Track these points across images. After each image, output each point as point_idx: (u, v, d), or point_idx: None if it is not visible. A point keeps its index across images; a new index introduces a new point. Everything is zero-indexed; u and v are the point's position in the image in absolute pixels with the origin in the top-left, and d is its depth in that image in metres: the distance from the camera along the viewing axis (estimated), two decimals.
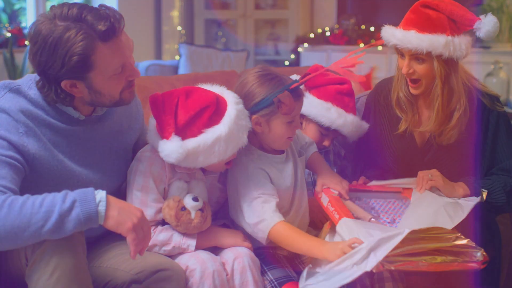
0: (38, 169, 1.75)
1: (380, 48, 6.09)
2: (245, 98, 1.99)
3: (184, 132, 1.86)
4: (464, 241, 1.79)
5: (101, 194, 1.58)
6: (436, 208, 2.02)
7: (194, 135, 1.86)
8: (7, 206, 1.53)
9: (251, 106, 1.98)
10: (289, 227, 1.93)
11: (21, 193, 1.62)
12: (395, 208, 2.17)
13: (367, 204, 2.17)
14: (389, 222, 2.09)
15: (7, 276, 1.74)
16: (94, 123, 1.88)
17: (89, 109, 1.86)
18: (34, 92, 1.78)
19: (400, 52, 2.20)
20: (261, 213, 1.94)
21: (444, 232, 1.81)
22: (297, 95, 2.00)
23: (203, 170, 2.02)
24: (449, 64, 2.16)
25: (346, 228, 1.89)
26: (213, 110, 1.88)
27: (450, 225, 1.90)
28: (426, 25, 2.13)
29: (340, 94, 2.33)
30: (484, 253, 1.78)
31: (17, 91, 1.77)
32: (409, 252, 1.75)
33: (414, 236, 1.75)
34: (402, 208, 2.17)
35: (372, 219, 2.04)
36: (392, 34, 2.18)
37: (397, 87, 2.29)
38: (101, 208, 1.56)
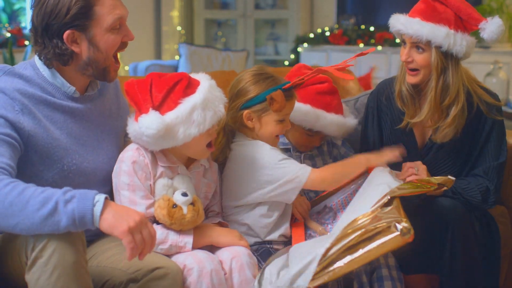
0: (33, 147, 1.78)
1: (380, 48, 6.10)
2: (239, 94, 2.09)
3: (161, 107, 1.88)
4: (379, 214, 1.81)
5: (101, 197, 1.58)
6: (380, 184, 2.01)
7: (171, 108, 1.88)
8: (11, 186, 1.56)
9: (245, 102, 2.08)
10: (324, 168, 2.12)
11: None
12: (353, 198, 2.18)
13: (325, 210, 2.22)
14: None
15: (7, 275, 1.74)
16: (88, 102, 1.93)
17: (83, 84, 1.92)
18: (29, 72, 1.85)
19: (403, 39, 2.23)
20: (295, 168, 2.04)
21: (358, 223, 1.82)
22: (289, 95, 2.08)
23: (186, 166, 2.03)
24: (448, 58, 2.18)
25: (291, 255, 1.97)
26: (186, 83, 1.92)
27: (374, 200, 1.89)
28: (432, 15, 2.17)
29: (320, 94, 2.31)
30: (406, 224, 1.77)
31: (12, 73, 1.83)
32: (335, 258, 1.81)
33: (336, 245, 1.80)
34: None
35: (321, 228, 2.12)
36: (397, 19, 2.22)
37: (400, 80, 2.32)
38: (97, 208, 1.56)
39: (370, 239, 1.77)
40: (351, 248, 1.79)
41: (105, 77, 1.90)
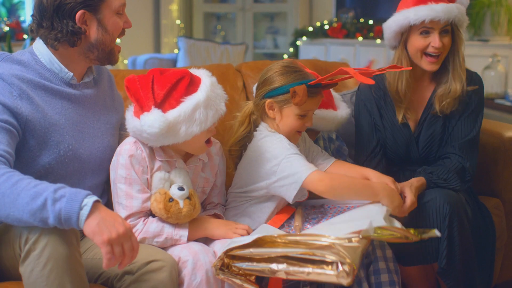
0: (31, 131, 1.80)
1: (378, 41, 6.09)
2: (265, 82, 2.12)
3: (163, 105, 1.88)
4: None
5: (89, 200, 1.56)
6: (367, 217, 1.95)
7: (173, 107, 1.88)
8: (6, 176, 1.57)
9: (269, 91, 2.10)
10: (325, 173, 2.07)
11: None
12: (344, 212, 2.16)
13: (319, 209, 2.21)
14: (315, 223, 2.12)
15: (3, 266, 1.75)
16: (84, 89, 1.96)
17: (81, 70, 1.95)
18: (27, 57, 1.88)
19: (425, 29, 2.26)
20: (299, 165, 2.02)
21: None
22: (313, 92, 2.08)
23: (185, 160, 2.03)
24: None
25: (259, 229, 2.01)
26: (188, 81, 1.92)
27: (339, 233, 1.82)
28: None
29: None
30: (347, 269, 1.71)
31: (10, 59, 1.86)
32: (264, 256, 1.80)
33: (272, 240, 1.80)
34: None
35: (297, 224, 2.09)
36: (430, 8, 2.24)
37: (400, 78, 2.33)
38: (84, 212, 1.55)
39: (313, 262, 1.75)
40: (293, 259, 1.77)
41: (110, 59, 1.94)
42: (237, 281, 1.83)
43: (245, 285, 1.84)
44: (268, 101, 2.10)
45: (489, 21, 5.49)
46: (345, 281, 1.71)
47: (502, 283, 2.64)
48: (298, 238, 1.79)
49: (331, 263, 1.73)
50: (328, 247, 1.74)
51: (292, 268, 1.77)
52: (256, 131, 2.16)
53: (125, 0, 1.93)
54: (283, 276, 1.79)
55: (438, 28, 2.25)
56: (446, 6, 2.23)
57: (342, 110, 2.39)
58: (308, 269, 1.75)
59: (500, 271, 2.56)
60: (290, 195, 2.03)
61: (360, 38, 6.30)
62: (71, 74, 1.91)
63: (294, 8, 6.86)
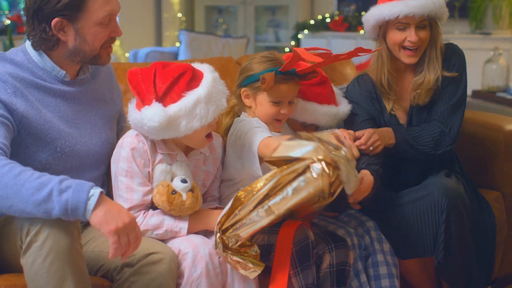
0: (26, 128, 1.80)
1: None
2: (242, 71, 2.18)
3: (165, 99, 1.88)
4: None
5: (96, 190, 1.58)
6: None
7: (175, 101, 1.88)
8: (9, 167, 1.57)
9: (244, 79, 2.16)
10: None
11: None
12: None
13: None
14: None
15: (4, 258, 1.76)
16: (80, 86, 1.95)
17: (74, 68, 1.93)
18: (20, 57, 1.87)
19: (401, 26, 2.26)
20: (255, 135, 2.02)
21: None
22: (284, 79, 2.11)
23: (186, 153, 2.04)
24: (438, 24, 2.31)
25: None
26: (190, 76, 1.92)
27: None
28: None
29: (310, 86, 2.28)
30: (319, 165, 1.75)
31: (3, 58, 1.85)
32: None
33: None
34: None
35: None
36: (404, 4, 2.24)
37: (378, 71, 2.34)
38: (91, 202, 1.56)
39: (291, 181, 1.78)
40: (275, 195, 1.80)
41: (97, 62, 1.92)
42: (242, 259, 1.85)
43: (250, 265, 1.87)
44: (243, 89, 2.16)
45: (490, 14, 5.48)
46: (322, 178, 1.74)
47: (503, 276, 2.64)
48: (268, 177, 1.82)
49: (304, 171, 1.76)
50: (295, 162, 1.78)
51: (276, 199, 1.79)
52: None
53: (114, 9, 1.85)
54: (274, 216, 1.80)
55: (414, 23, 2.24)
56: (420, 1, 2.22)
57: (344, 106, 2.37)
58: (288, 189, 1.78)
59: (500, 265, 2.56)
60: (256, 167, 2.01)
61: (362, 31, 6.28)
62: (64, 72, 1.89)
63: (296, 1, 6.85)
